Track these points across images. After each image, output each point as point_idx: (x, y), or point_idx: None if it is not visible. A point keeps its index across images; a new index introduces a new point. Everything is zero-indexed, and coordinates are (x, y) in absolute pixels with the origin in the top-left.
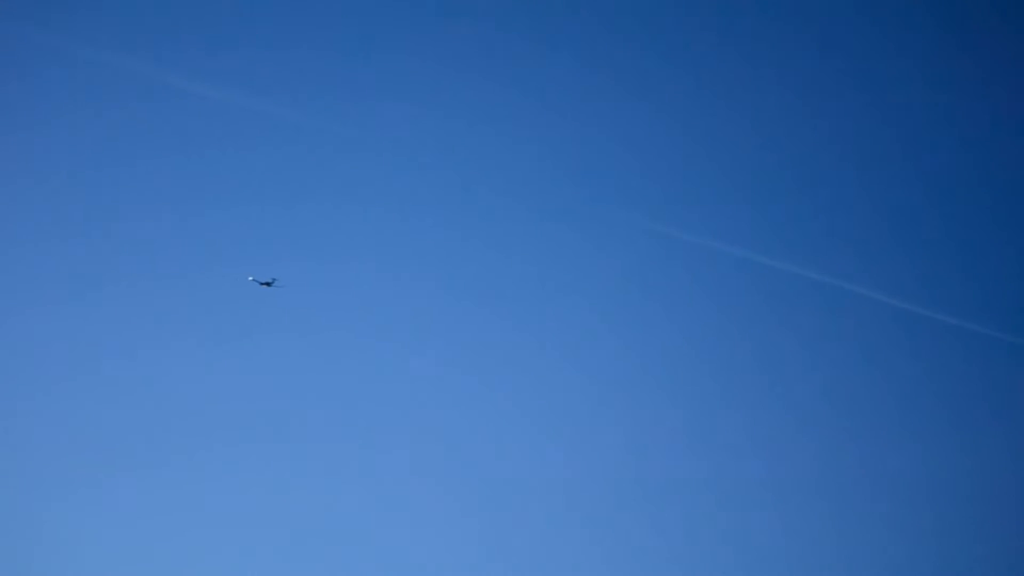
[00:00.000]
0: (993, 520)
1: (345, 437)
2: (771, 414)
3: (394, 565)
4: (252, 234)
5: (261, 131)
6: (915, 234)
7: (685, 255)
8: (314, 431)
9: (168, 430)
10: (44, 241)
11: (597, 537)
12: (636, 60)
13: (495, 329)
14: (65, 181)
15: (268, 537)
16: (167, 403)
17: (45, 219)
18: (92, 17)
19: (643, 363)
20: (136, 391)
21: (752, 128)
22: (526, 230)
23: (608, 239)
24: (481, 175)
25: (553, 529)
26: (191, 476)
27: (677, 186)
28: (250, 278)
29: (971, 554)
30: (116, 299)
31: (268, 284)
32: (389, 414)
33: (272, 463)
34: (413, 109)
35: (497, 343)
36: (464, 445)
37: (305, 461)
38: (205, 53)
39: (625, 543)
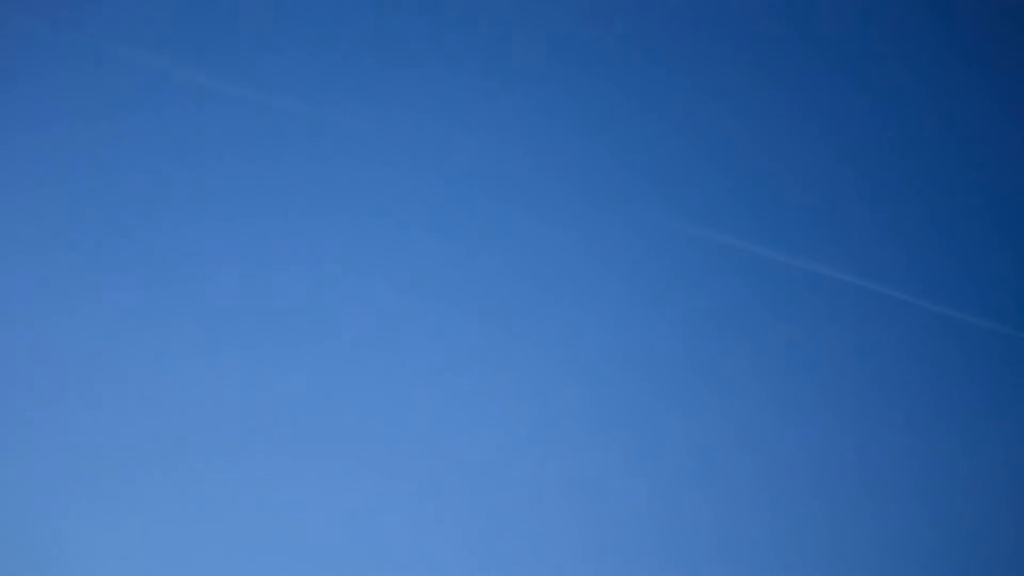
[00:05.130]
0: (991, 519)
1: (343, 440)
2: (764, 408)
3: (392, 566)
4: (249, 236)
5: (259, 131)
6: (909, 223)
7: (677, 247)
8: (312, 436)
9: (163, 434)
10: (44, 241)
11: (594, 537)
12: (633, 57)
13: (489, 328)
14: (69, 180)
15: (266, 538)
16: (162, 406)
17: (45, 219)
18: (104, 12)
19: (636, 358)
20: (135, 393)
21: (744, 119)
22: (518, 227)
23: (600, 234)
24: (474, 174)
25: (549, 529)
26: (186, 480)
27: (670, 179)
28: None
29: (970, 553)
30: (117, 300)
31: None
32: (386, 417)
33: (270, 466)
34: (405, 110)
35: (492, 342)
36: (460, 446)
37: (303, 465)
38: (200, 50)
39: (622, 542)
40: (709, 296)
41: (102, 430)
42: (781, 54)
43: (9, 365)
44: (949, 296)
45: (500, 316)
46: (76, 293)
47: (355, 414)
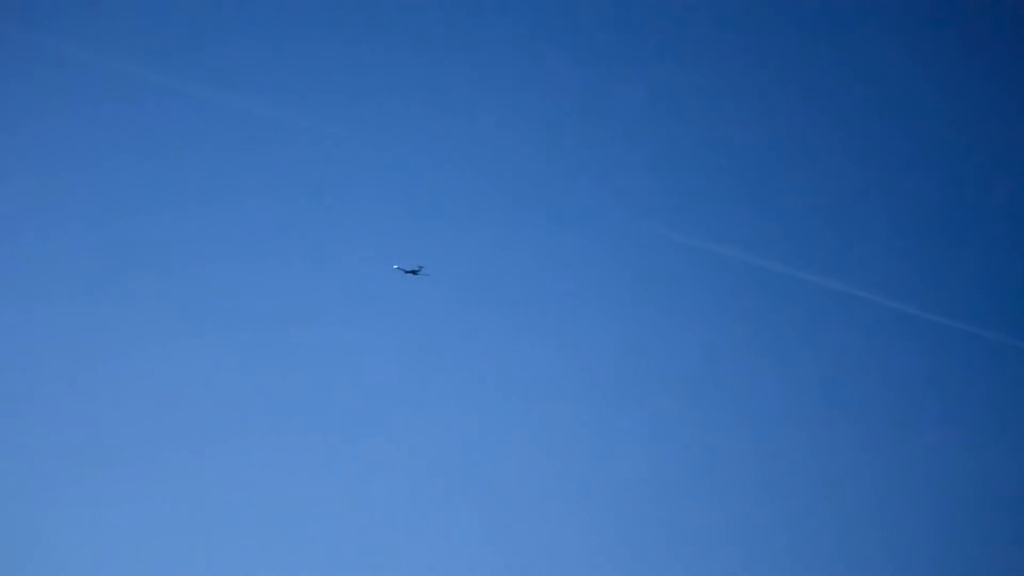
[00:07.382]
0: (993, 522)
1: (346, 438)
2: (772, 416)
3: (391, 565)
4: (252, 234)
5: (257, 131)
6: (916, 237)
7: (686, 258)
8: (316, 433)
9: (162, 428)
10: (41, 240)
11: (596, 536)
12: (640, 59)
13: (497, 329)
14: (62, 180)
15: (263, 536)
16: (161, 401)
17: (42, 218)
18: (87, 18)
19: (644, 364)
20: (132, 389)
21: (755, 130)
22: (530, 232)
23: (609, 241)
24: (481, 175)
25: (552, 529)
26: (185, 475)
27: (681, 189)
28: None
29: (970, 555)
30: (112, 298)
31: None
32: (390, 416)
33: (270, 463)
34: (415, 108)
35: (499, 343)
36: (463, 445)
37: (303, 463)
38: (197, 53)
39: (625, 542)
40: (719, 307)
41: (98, 426)
42: (802, 70)
43: (6, 362)
44: (956, 308)
45: (508, 316)
46: (71, 289)
47: (354, 412)
